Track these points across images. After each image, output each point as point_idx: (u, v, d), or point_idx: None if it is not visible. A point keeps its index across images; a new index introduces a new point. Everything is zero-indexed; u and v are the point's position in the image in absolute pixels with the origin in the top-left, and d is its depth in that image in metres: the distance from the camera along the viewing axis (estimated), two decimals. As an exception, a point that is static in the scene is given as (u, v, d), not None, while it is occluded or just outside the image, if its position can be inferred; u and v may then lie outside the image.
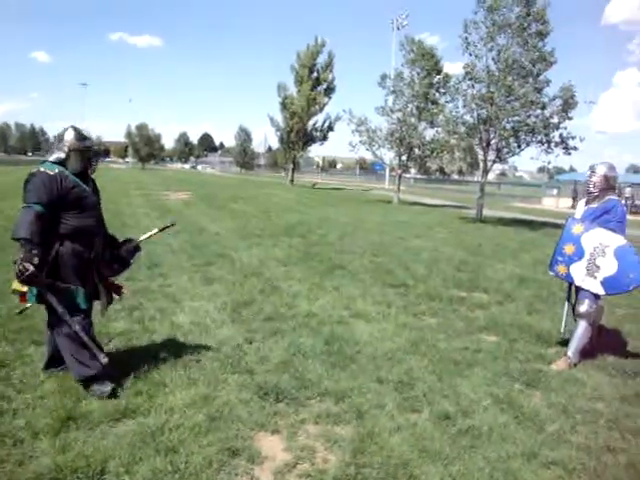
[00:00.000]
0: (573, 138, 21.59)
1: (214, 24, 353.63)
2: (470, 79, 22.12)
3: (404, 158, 33.10)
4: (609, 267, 5.30)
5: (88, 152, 4.40)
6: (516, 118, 21.61)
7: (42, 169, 4.17)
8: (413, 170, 48.18)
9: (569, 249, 5.49)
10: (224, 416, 3.98)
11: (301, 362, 5.05)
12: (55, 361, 4.57)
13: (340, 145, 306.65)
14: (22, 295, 4.28)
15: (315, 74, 50.08)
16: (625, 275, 5.26)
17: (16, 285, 4.17)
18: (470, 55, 22.31)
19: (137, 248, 4.97)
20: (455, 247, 13.86)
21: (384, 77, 32.61)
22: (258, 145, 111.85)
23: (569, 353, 5.50)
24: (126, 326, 5.90)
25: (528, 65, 21.16)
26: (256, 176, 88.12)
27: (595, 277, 5.36)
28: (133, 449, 3.47)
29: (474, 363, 5.34)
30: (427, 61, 30.77)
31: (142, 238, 5.19)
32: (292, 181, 53.32)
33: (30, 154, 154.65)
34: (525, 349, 5.85)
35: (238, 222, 16.30)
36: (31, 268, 3.91)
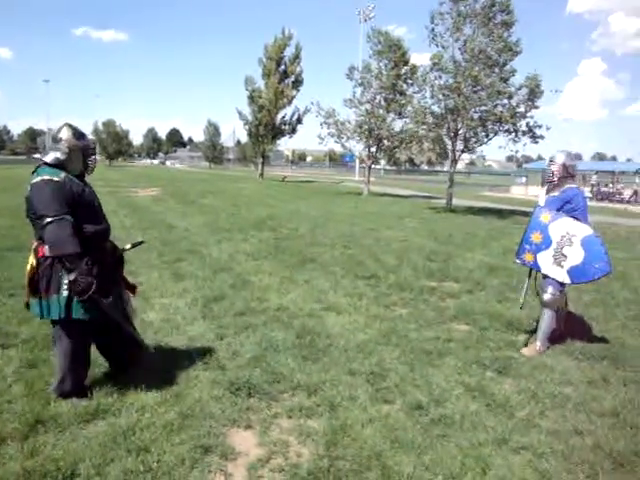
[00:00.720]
0: (540, 127, 21.89)
1: (181, 17, 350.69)
2: (437, 70, 22.24)
3: (373, 149, 33.20)
4: (576, 256, 5.36)
5: (88, 150, 4.16)
6: (483, 108, 21.85)
7: (47, 177, 3.85)
8: (383, 161, 48.32)
9: (536, 237, 5.55)
10: (196, 413, 3.95)
11: (273, 356, 5.04)
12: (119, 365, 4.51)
13: (309, 138, 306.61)
14: None
15: (283, 67, 49.83)
16: (591, 265, 5.33)
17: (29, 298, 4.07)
18: (437, 46, 22.49)
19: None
20: (425, 237, 13.95)
21: (352, 69, 32.63)
22: (227, 139, 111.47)
23: (537, 342, 5.58)
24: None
25: (494, 55, 21.38)
26: (225, 170, 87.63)
27: (562, 266, 5.42)
28: (104, 450, 3.43)
29: (446, 352, 5.38)
30: (394, 53, 30.88)
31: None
32: (262, 175, 53.10)
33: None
34: (496, 337, 5.91)
35: (208, 217, 16.19)
36: (94, 280, 3.78)
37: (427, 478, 3.28)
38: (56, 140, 4.09)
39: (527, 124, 21.89)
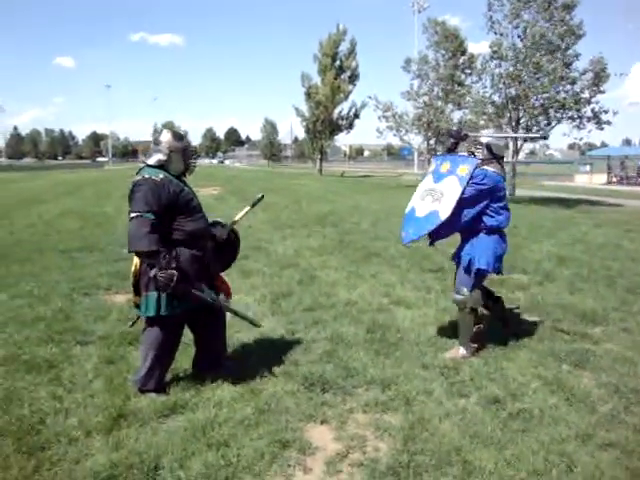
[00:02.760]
0: (606, 112, 21.15)
1: (235, 19, 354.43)
2: (497, 58, 21.79)
3: (432, 142, 32.81)
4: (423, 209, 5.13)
5: (187, 151, 4.36)
6: (545, 95, 21.27)
7: (147, 175, 4.03)
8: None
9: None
10: (272, 408, 3.99)
11: (345, 351, 5.04)
12: (207, 362, 4.59)
13: (367, 132, 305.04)
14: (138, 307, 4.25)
15: (338, 62, 49.93)
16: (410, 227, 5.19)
17: (136, 298, 4.21)
18: (495, 34, 22.00)
19: (233, 232, 4.90)
20: (490, 229, 13.65)
21: (408, 61, 32.40)
22: (284, 136, 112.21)
23: (459, 347, 5.11)
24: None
25: (556, 40, 20.77)
26: (284, 168, 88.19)
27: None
28: (185, 444, 3.50)
29: (519, 345, 5.25)
30: (451, 42, 30.45)
31: (236, 218, 5.06)
32: (320, 171, 53.30)
33: (61, 158, 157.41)
34: (570, 329, 5.74)
35: (270, 214, 16.29)
36: (176, 273, 3.87)
37: (510, 474, 3.21)
38: (157, 143, 4.28)
39: (592, 110, 21.21)
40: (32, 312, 6.29)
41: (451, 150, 5.36)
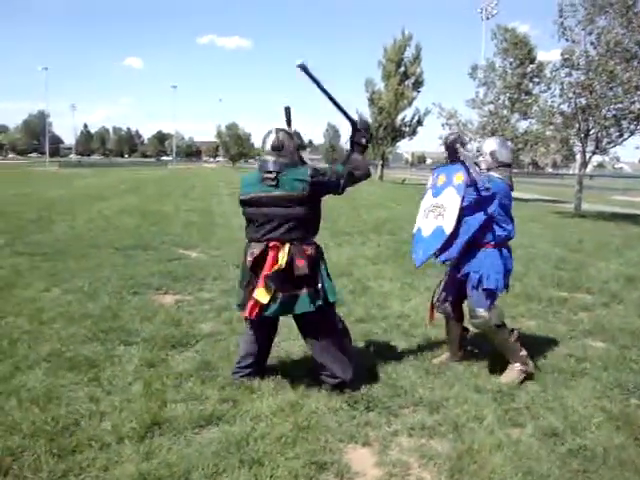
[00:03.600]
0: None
1: (302, 23, 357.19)
2: (568, 66, 21.02)
3: (496, 151, 32.01)
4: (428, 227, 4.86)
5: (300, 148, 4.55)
6: (619, 105, 20.34)
7: None
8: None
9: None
10: (312, 425, 3.77)
11: (393, 368, 4.77)
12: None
13: (429, 140, 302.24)
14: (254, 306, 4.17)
15: (402, 68, 49.48)
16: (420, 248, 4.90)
17: (261, 294, 4.11)
18: (567, 40, 21.23)
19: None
20: (552, 243, 13.16)
21: (475, 68, 31.63)
22: (346, 142, 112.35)
23: (515, 364, 4.73)
24: (214, 327, 5.85)
25: (633, 47, 19.82)
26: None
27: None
28: (217, 459, 3.33)
29: (581, 372, 4.87)
30: (520, 50, 29.59)
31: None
32: (381, 177, 52.91)
33: (127, 156, 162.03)
34: (639, 358, 5.32)
35: (327, 220, 16.10)
36: None
37: (567, 520, 2.91)
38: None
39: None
40: (81, 308, 6.31)
41: (452, 161, 4.93)
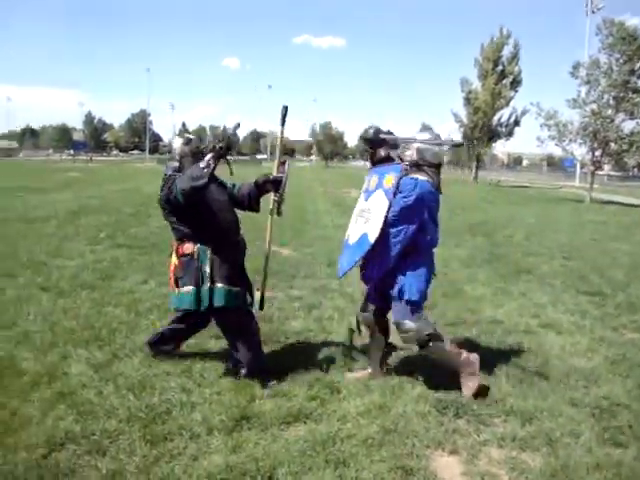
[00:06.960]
0: None
1: (396, 21, 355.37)
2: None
3: (598, 153, 30.52)
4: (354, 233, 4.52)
5: (199, 154, 4.44)
6: None
7: None
8: (607, 166, 44.54)
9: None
10: (399, 429, 3.70)
11: (484, 375, 4.58)
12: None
13: (526, 141, 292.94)
14: None
15: (500, 67, 48.17)
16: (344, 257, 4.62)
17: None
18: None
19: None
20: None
21: (577, 66, 30.30)
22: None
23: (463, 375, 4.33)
24: (304, 325, 5.88)
25: None
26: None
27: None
28: (303, 457, 3.33)
29: (692, 390, 4.54)
30: (629, 45, 28.04)
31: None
32: (476, 178, 51.77)
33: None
34: None
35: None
36: None
37: None
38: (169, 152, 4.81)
39: None
40: (175, 301, 6.48)
41: (381, 160, 4.52)
